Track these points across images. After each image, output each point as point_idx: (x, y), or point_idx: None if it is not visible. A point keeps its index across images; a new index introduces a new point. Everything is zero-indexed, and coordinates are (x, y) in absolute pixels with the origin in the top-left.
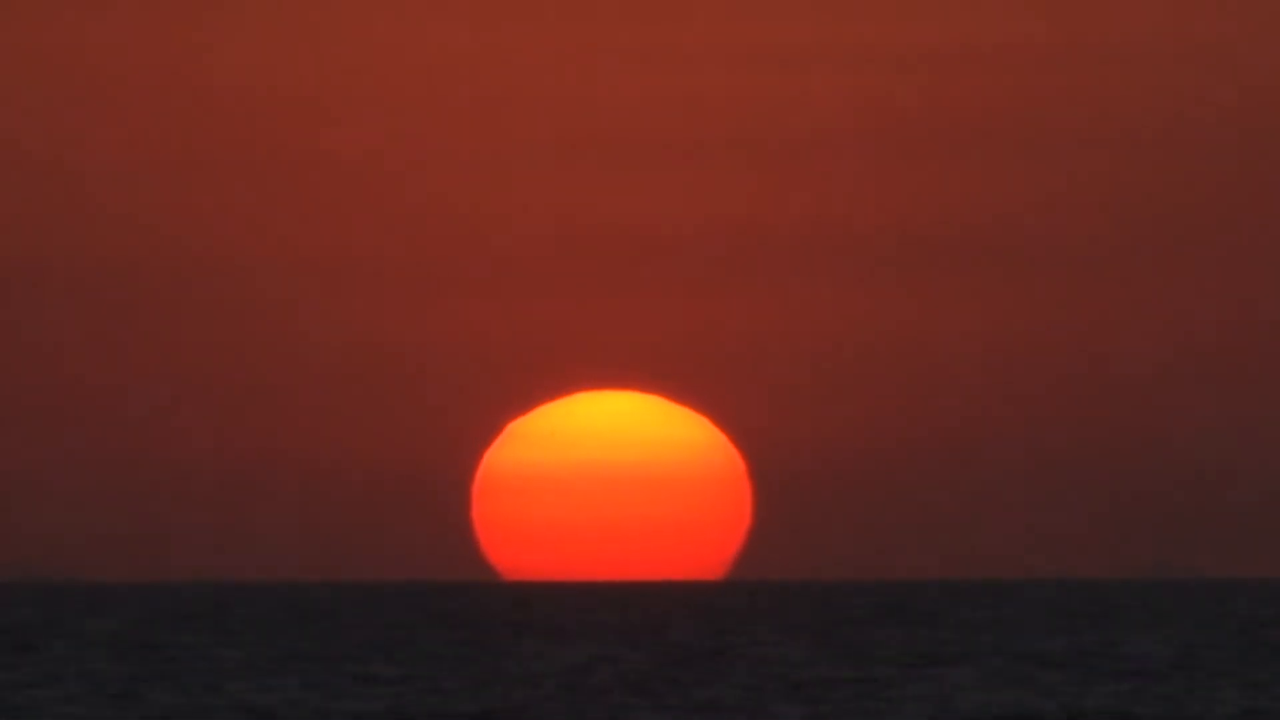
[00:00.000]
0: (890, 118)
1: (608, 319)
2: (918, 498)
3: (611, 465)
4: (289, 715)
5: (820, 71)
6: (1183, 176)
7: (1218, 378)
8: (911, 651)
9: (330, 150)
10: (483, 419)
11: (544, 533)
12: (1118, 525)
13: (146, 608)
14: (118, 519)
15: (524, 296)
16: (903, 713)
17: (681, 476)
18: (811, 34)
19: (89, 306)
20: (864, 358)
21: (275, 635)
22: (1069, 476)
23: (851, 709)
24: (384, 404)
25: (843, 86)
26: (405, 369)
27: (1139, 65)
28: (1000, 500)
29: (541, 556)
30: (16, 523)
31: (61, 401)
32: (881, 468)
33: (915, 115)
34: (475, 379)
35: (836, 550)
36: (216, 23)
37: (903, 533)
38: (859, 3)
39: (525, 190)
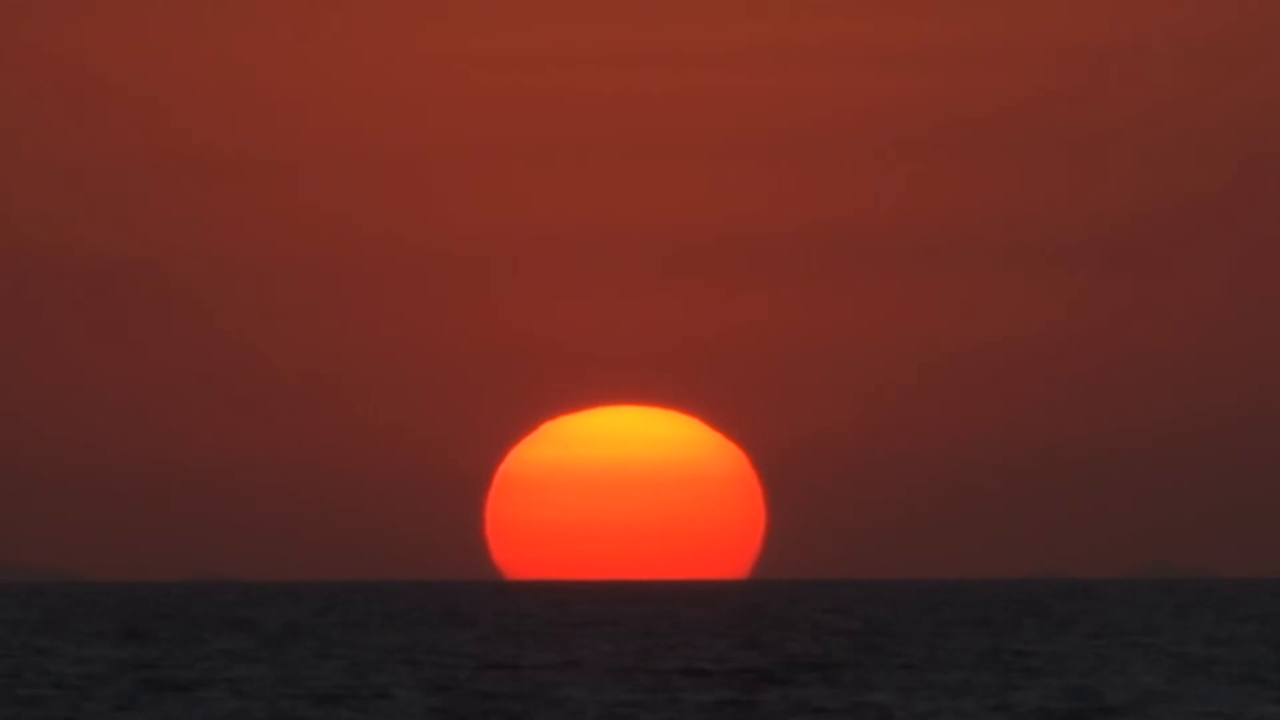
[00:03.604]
0: (892, 119)
1: (636, 328)
2: (922, 497)
3: (622, 469)
4: None
5: (824, 73)
6: (1192, 177)
7: (1222, 378)
8: None
9: (353, 151)
10: (512, 424)
11: (558, 533)
12: (1121, 526)
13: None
14: (121, 518)
15: (554, 300)
16: None
17: (690, 479)
18: (815, 35)
19: (90, 306)
20: (867, 360)
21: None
22: (1076, 475)
23: None
24: (402, 405)
25: (846, 87)
26: (428, 371)
27: (1147, 65)
28: (1002, 499)
29: (554, 557)
30: (16, 523)
31: (61, 401)
32: (885, 470)
33: (917, 117)
34: (507, 382)
35: (844, 550)
36: (218, 25)
37: (906, 533)
38: (862, 4)
39: (541, 194)
